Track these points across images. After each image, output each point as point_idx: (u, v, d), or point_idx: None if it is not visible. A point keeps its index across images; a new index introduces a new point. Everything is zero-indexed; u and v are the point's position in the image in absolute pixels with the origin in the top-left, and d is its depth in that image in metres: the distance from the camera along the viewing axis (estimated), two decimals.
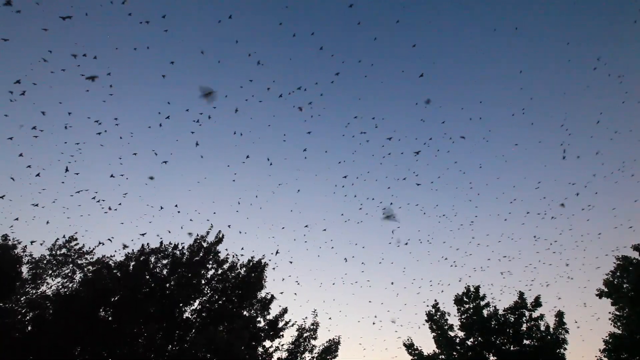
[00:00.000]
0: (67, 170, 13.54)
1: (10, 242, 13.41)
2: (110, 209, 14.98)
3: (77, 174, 15.86)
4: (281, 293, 14.33)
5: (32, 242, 13.50)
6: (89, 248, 14.48)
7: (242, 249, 20.77)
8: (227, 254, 14.42)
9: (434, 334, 15.19)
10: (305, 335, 13.50)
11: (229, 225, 22.31)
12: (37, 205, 14.02)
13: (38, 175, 14.17)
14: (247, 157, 18.68)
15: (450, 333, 15.06)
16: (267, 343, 13.14)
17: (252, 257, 14.51)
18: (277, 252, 14.23)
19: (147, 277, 12.95)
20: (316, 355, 13.31)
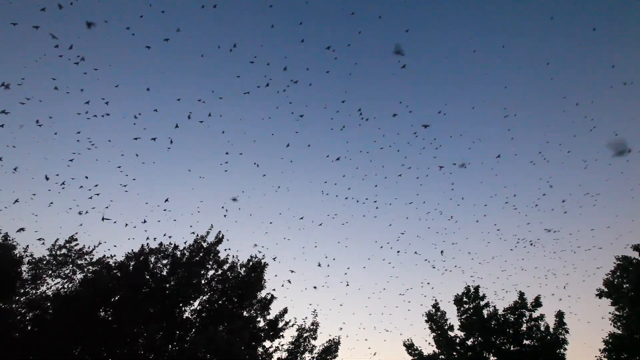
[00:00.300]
0: (47, 179, 13.48)
1: (10, 242, 13.42)
2: (80, 213, 14.77)
3: (71, 160, 15.56)
4: (273, 289, 14.36)
5: (18, 230, 13.28)
6: (89, 247, 14.47)
7: (229, 248, 20.62)
8: (227, 254, 14.46)
9: (433, 334, 15.19)
10: (305, 335, 13.51)
11: (224, 215, 22.18)
12: (17, 201, 13.89)
13: (15, 169, 13.96)
14: (227, 153, 18.58)
15: (450, 333, 15.06)
16: (267, 343, 13.14)
17: (251, 257, 14.54)
18: (256, 256, 14.25)
19: (147, 277, 12.96)
20: (316, 355, 13.31)
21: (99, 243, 14.67)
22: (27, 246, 13.58)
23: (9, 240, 13.46)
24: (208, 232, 14.56)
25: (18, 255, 13.25)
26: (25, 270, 13.17)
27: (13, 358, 10.66)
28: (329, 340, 13.81)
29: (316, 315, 14.02)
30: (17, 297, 12.45)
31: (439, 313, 15.40)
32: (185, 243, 14.26)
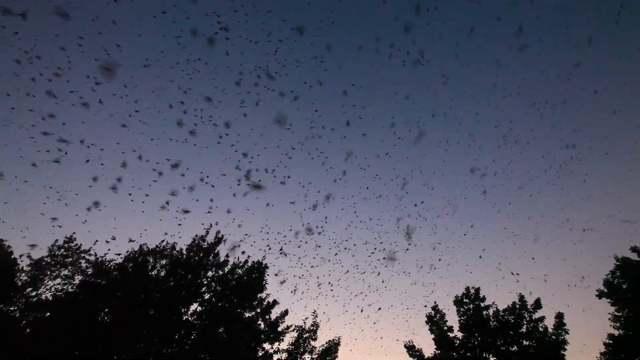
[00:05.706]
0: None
1: (8, 244, 13.27)
2: (51, 211, 14.51)
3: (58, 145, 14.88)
4: (267, 284, 14.33)
5: (2, 220, 13.03)
6: (88, 247, 14.29)
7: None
8: (227, 255, 14.31)
9: (433, 335, 15.18)
10: (305, 336, 13.44)
11: (228, 210, 21.67)
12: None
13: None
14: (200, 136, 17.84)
15: (450, 334, 15.04)
16: (267, 345, 13.06)
17: (249, 257, 14.44)
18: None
19: (146, 278, 12.81)
20: (316, 356, 13.26)
21: (96, 241, 14.42)
22: (29, 253, 13.38)
23: (8, 241, 13.32)
24: (208, 232, 14.41)
25: (13, 257, 13.08)
26: (24, 272, 13.01)
27: (13, 359, 10.54)
28: (329, 341, 13.78)
29: (316, 316, 13.98)
30: (16, 299, 12.30)
31: (438, 315, 15.38)
32: (185, 241, 14.12)
